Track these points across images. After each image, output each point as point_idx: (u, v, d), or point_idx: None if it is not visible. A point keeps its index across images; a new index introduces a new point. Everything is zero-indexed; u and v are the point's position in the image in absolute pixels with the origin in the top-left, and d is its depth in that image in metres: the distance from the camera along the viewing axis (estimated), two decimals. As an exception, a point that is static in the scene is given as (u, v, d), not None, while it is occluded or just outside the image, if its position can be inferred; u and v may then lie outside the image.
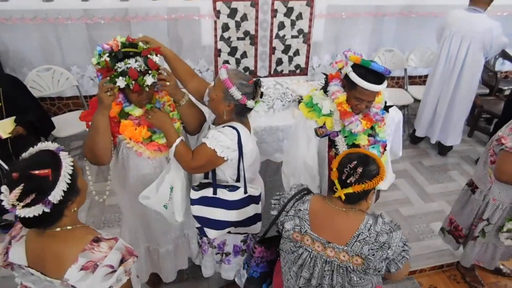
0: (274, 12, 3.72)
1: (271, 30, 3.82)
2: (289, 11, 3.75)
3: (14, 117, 2.85)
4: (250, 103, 1.81)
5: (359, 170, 1.45)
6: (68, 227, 1.27)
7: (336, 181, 1.50)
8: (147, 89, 1.75)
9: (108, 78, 1.68)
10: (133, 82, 1.69)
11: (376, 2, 4.26)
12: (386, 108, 2.04)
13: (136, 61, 1.71)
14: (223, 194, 1.92)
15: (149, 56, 1.75)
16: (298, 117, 2.10)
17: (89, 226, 1.35)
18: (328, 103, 1.94)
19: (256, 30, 3.78)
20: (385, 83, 1.82)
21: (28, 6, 3.51)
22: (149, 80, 1.72)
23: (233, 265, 2.26)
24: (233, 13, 3.64)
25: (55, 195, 1.16)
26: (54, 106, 4.07)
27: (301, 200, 1.65)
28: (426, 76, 4.59)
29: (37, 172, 1.14)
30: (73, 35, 3.70)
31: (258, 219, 2.04)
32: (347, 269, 1.53)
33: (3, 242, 1.34)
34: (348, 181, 1.46)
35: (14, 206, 1.14)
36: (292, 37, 3.91)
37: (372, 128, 1.99)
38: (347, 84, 1.88)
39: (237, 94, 1.77)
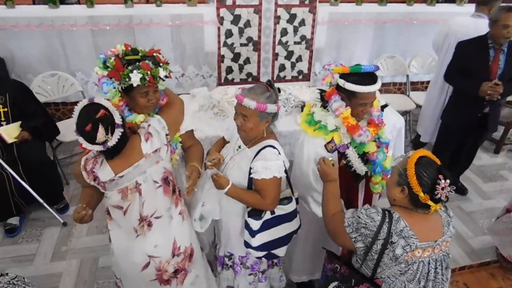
0: (277, 18, 3.75)
1: (274, 37, 3.85)
2: (292, 18, 3.78)
3: (20, 122, 2.90)
4: (281, 105, 1.83)
5: (449, 184, 1.49)
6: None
7: (429, 202, 1.51)
8: (160, 81, 1.77)
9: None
10: (149, 73, 1.70)
11: (378, 10, 4.31)
12: (382, 108, 2.05)
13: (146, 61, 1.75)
14: (280, 210, 1.92)
15: (154, 54, 1.79)
16: (302, 136, 2.09)
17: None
18: (332, 119, 1.93)
19: (259, 37, 3.81)
20: (380, 79, 1.87)
21: (34, 13, 3.58)
22: (162, 72, 1.75)
23: (267, 281, 2.26)
24: (236, 19, 3.67)
25: (117, 118, 1.57)
26: (58, 111, 4.11)
27: (394, 221, 1.55)
28: (428, 82, 4.61)
29: (99, 115, 1.53)
30: (78, 41, 3.75)
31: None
32: (447, 253, 1.63)
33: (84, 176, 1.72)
34: (446, 199, 1.51)
35: (106, 141, 1.55)
36: (295, 43, 3.94)
37: None
38: (346, 95, 1.88)
39: (273, 108, 1.78)
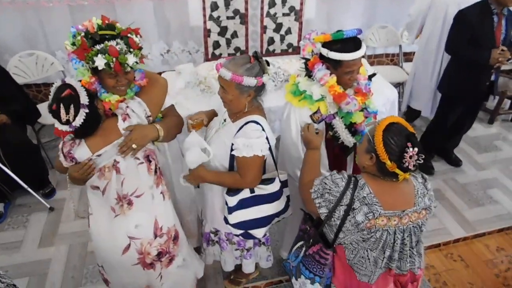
0: (264, -11, 3.59)
1: (262, 8, 3.68)
2: (279, -12, 3.62)
3: (-4, 106, 2.76)
4: (265, 79, 1.72)
5: (418, 153, 1.44)
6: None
7: (396, 170, 1.45)
8: (128, 69, 1.64)
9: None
10: (114, 59, 1.58)
11: (369, -23, 4.15)
12: (370, 77, 1.97)
13: (117, 43, 1.61)
14: (261, 190, 1.86)
15: (129, 35, 1.66)
16: (287, 108, 2.01)
17: None
18: (318, 88, 1.85)
19: (246, 9, 3.65)
20: (364, 44, 1.78)
21: (5, -11, 3.37)
22: (131, 59, 1.62)
23: (253, 258, 2.24)
24: (221, -9, 3.51)
25: (83, 99, 1.55)
26: (40, 93, 3.96)
27: (359, 187, 1.52)
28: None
29: (63, 94, 1.53)
30: (56, 19, 3.57)
31: (289, 201, 2.01)
32: (418, 225, 1.57)
33: (61, 159, 1.70)
34: (413, 168, 1.45)
35: (69, 121, 1.54)
36: (284, 15, 3.78)
37: None
38: (331, 65, 1.81)
39: (251, 81, 1.67)
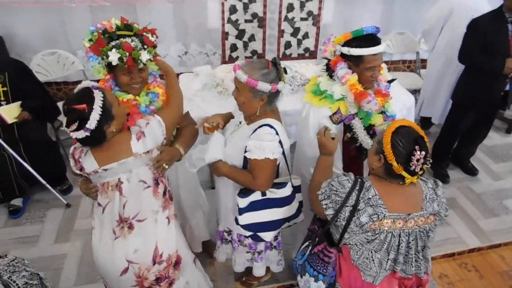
0: (283, -7, 3.61)
1: (280, 12, 3.71)
2: (298, -8, 3.64)
3: (20, 102, 2.84)
4: (280, 86, 1.73)
5: (425, 157, 1.45)
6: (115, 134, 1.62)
7: (403, 173, 1.47)
8: (141, 65, 1.68)
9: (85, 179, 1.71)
10: (127, 54, 1.61)
11: (387, -17, 4.14)
12: (389, 82, 1.99)
13: (132, 40, 1.65)
14: (272, 193, 1.86)
15: (144, 34, 1.70)
16: (306, 108, 2.02)
17: None
18: (339, 88, 1.87)
19: (265, 12, 3.67)
20: (383, 42, 1.84)
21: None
22: (144, 55, 1.65)
23: (264, 261, 2.24)
24: (240, -6, 3.54)
25: (91, 123, 1.48)
26: (60, 91, 4.04)
27: (364, 189, 1.54)
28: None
29: (76, 106, 1.47)
30: (78, 19, 3.65)
31: (301, 206, 2.00)
32: (425, 230, 1.56)
33: (71, 162, 1.70)
34: (420, 172, 1.46)
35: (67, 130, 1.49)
36: (302, 19, 3.79)
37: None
38: (353, 62, 1.84)
39: (266, 86, 1.68)
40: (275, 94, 1.76)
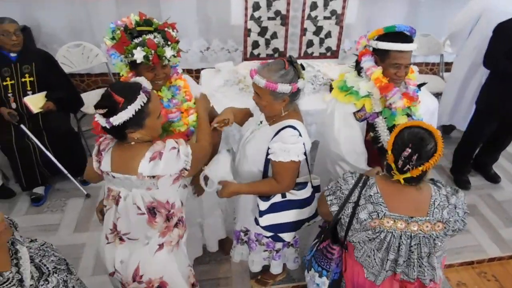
0: (307, -9, 3.58)
1: (303, 11, 3.68)
2: (322, -9, 3.61)
3: (45, 92, 2.89)
4: (300, 84, 1.71)
5: (414, 157, 1.42)
6: (139, 141, 1.51)
7: (393, 166, 1.48)
8: (166, 62, 1.68)
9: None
10: (153, 52, 1.61)
11: (414, -17, 4.07)
12: (419, 86, 1.98)
13: (154, 37, 1.65)
14: (292, 195, 1.86)
15: (166, 29, 1.69)
16: (331, 104, 2.01)
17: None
18: (365, 84, 1.86)
19: (288, 10, 3.65)
20: (415, 42, 1.81)
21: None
22: (168, 52, 1.65)
23: (281, 259, 2.24)
24: (264, -9, 3.53)
25: (115, 119, 1.39)
26: (83, 82, 4.11)
27: (367, 186, 1.56)
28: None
29: (115, 95, 1.38)
30: (103, 12, 3.70)
31: None
32: (431, 237, 1.53)
33: (94, 150, 1.61)
34: (405, 169, 1.44)
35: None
36: (325, 18, 3.76)
37: (408, 107, 1.92)
38: (379, 57, 1.85)
39: (286, 88, 1.65)
40: (296, 93, 1.74)
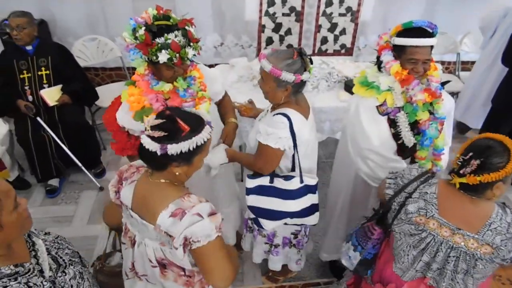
0: (322, -12, 3.55)
1: (318, 7, 3.66)
2: (338, -13, 3.58)
3: (61, 86, 2.92)
4: (305, 76, 1.71)
5: (474, 163, 1.38)
6: (170, 182, 1.36)
7: (454, 166, 1.46)
8: (188, 62, 1.70)
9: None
10: (177, 55, 1.63)
11: (432, -20, 4.01)
12: (443, 84, 1.95)
13: (175, 36, 1.66)
14: (279, 183, 1.87)
15: (186, 27, 1.70)
16: (354, 102, 2.00)
17: (188, 188, 1.43)
18: (385, 79, 1.86)
19: (303, 7, 3.63)
20: (435, 38, 1.79)
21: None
22: (191, 53, 1.67)
23: (281, 256, 2.24)
24: (279, -13, 3.51)
25: (174, 148, 1.25)
26: (98, 76, 4.14)
27: (427, 183, 1.54)
28: (480, 62, 4.30)
29: (180, 122, 1.25)
30: (118, 6, 3.71)
31: (315, 209, 1.95)
32: (473, 256, 1.46)
33: (112, 180, 1.47)
34: (461, 172, 1.41)
35: (146, 130, 1.26)
36: (340, 15, 3.73)
37: (431, 104, 1.90)
38: (396, 52, 1.84)
39: (289, 77, 1.67)
40: (299, 85, 1.74)
